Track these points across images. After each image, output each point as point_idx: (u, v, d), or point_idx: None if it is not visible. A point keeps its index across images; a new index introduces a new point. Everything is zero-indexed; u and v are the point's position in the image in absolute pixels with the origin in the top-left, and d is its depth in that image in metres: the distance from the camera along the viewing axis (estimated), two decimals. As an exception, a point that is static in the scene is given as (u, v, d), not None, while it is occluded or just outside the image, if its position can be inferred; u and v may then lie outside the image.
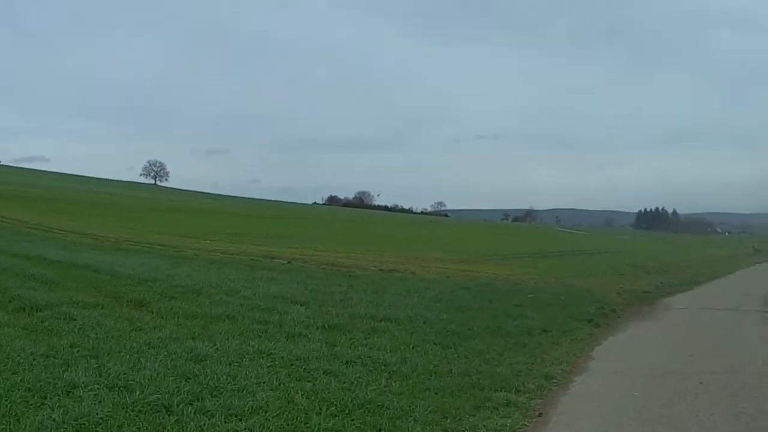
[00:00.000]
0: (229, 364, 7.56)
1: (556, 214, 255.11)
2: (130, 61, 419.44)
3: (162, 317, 10.24)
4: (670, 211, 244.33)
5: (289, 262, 22.97)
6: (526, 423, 6.82)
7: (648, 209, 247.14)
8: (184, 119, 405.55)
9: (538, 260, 37.67)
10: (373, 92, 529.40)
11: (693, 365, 9.82)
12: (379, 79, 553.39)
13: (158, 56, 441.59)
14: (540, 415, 7.14)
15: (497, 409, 7.07)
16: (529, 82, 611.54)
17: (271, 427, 5.73)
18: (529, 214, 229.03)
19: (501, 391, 7.70)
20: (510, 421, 6.75)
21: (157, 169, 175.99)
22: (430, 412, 6.59)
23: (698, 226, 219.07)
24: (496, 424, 6.62)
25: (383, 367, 8.11)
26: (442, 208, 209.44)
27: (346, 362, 8.18)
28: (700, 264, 41.20)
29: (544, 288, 19.44)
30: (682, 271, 33.29)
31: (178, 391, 6.36)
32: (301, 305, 12.11)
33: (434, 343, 9.73)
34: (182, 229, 46.31)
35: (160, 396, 6.15)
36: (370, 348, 9.06)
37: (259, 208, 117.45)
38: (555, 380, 8.56)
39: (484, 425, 6.55)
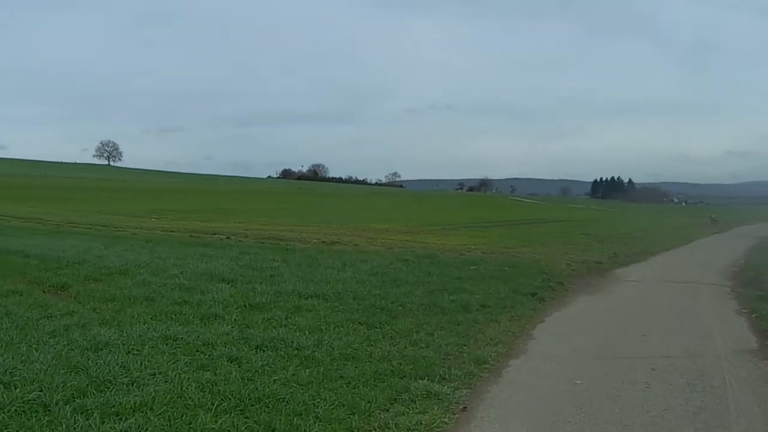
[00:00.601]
0: (128, 353, 7.05)
1: (512, 184, 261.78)
2: (77, 42, 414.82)
3: (79, 302, 9.88)
4: (626, 180, 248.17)
5: (228, 237, 23.01)
6: (446, 420, 5.87)
7: (604, 178, 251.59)
8: (135, 99, 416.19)
9: (489, 230, 37.70)
10: (327, 65, 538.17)
11: (645, 348, 8.96)
12: (332, 52, 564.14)
13: (105, 36, 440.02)
14: (464, 409, 6.19)
15: (415, 402, 6.17)
16: (483, 53, 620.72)
17: (150, 428, 5.16)
18: (484, 184, 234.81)
19: (423, 379, 6.83)
20: (427, 417, 5.83)
21: (110, 150, 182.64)
22: (336, 406, 5.90)
23: (654, 195, 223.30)
24: (410, 421, 5.71)
25: (296, 351, 7.53)
26: (397, 179, 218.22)
27: (257, 347, 7.62)
28: (656, 233, 41.18)
29: (490, 259, 18.79)
30: (637, 240, 32.96)
31: (63, 387, 5.84)
32: (227, 283, 11.79)
33: (359, 323, 9.13)
34: (131, 208, 47.33)
35: (41, 393, 5.66)
36: (288, 329, 8.51)
37: (211, 183, 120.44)
38: (487, 365, 7.62)
39: (395, 423, 5.66)
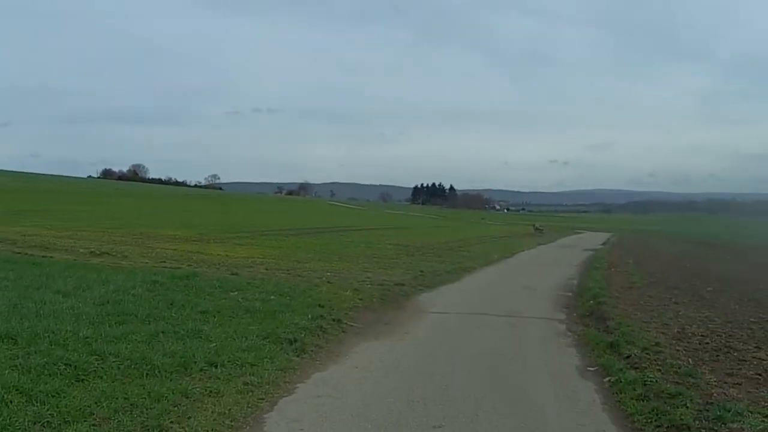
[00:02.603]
0: None
1: (332, 188, 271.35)
2: None
3: None
4: (447, 186, 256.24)
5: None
6: None
7: (425, 184, 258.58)
8: None
9: (290, 238, 35.19)
10: (154, 65, 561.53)
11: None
12: (160, 52, 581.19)
13: None
14: None
15: None
16: (310, 57, 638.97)
17: None
18: (303, 188, 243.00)
19: None
20: None
21: None
22: None
23: (476, 202, 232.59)
24: None
25: None
26: (216, 182, 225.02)
27: None
28: (474, 243, 39.52)
29: (267, 279, 15.78)
30: (452, 252, 30.65)
31: None
32: None
33: (19, 390, 6.48)
34: None
35: None
36: None
37: (29, 182, 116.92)
38: None
39: None
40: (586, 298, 16.03)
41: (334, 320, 11.41)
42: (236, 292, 13.12)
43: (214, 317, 10.66)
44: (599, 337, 11.10)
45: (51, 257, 18.87)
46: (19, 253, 19.55)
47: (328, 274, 18.46)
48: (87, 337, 8.68)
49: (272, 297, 12.82)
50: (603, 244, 48.04)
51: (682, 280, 20.86)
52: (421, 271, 20.25)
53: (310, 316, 11.26)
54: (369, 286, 16.14)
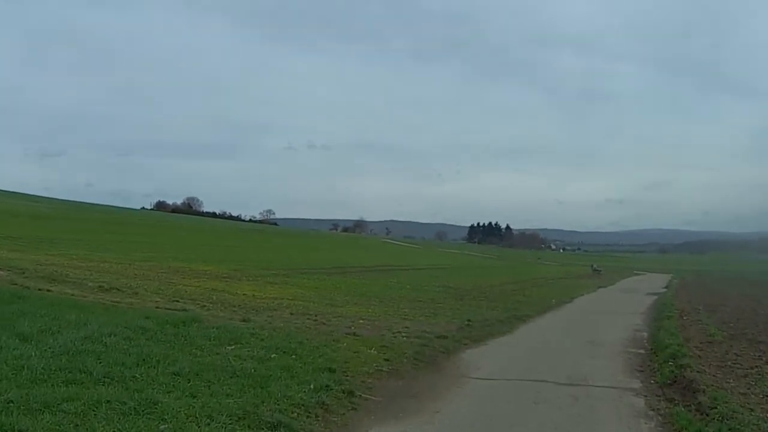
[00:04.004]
0: None
1: (388, 226, 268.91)
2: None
3: None
4: (503, 225, 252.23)
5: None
6: None
7: (481, 223, 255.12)
8: (16, 120, 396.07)
9: (333, 277, 32.92)
10: (210, 98, 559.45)
11: None
12: (216, 86, 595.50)
13: None
14: None
15: None
16: (366, 93, 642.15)
17: None
18: (359, 225, 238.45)
19: None
20: None
21: None
22: None
23: (532, 241, 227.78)
24: None
25: None
26: (271, 216, 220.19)
27: None
28: (530, 286, 36.42)
29: (279, 329, 13.09)
30: (506, 296, 27.76)
31: None
32: None
33: None
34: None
35: None
36: None
37: (78, 211, 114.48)
38: None
39: None
40: (663, 357, 13.01)
41: (344, 392, 8.76)
42: (233, 346, 10.66)
43: (188, 382, 8.24)
44: (694, 422, 8.21)
45: (50, 291, 16.75)
46: (16, 284, 17.52)
47: (361, 321, 16.04)
48: (10, 402, 6.67)
49: (274, 355, 10.26)
50: (665, 287, 44.26)
51: (763, 331, 17.69)
52: (469, 321, 17.41)
53: (312, 385, 8.65)
54: (404, 338, 13.53)
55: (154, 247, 46.36)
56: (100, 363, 8.53)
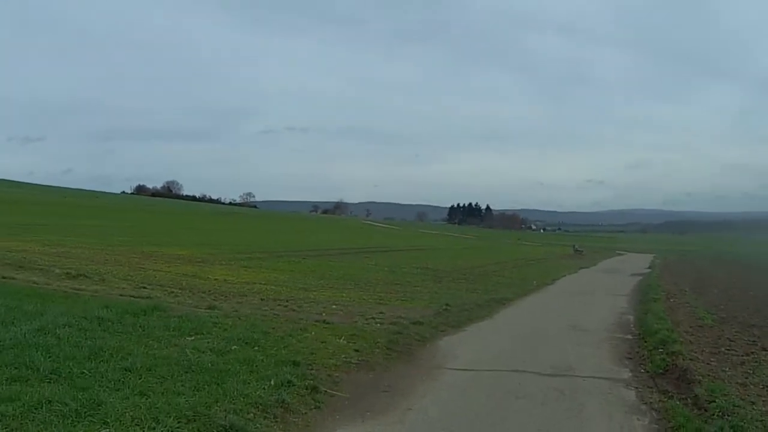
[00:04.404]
0: None
1: (368, 208, 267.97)
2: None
3: None
4: (483, 206, 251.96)
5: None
6: None
7: (461, 204, 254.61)
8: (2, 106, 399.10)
9: (307, 260, 31.86)
10: (189, 83, 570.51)
11: None
12: (194, 70, 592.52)
13: None
14: None
15: None
16: (344, 76, 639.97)
17: None
18: (339, 207, 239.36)
19: None
20: None
21: None
22: None
23: (513, 222, 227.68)
24: None
25: None
26: (251, 200, 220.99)
27: None
28: (511, 267, 35.68)
29: (245, 317, 12.20)
30: (486, 278, 26.92)
31: None
32: None
33: None
34: None
35: None
36: None
37: (56, 196, 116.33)
38: None
39: None
40: (653, 343, 12.22)
41: (307, 388, 7.87)
42: (193, 337, 9.85)
43: (139, 378, 7.45)
44: (692, 419, 7.42)
45: (14, 279, 16.04)
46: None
47: (334, 307, 15.21)
48: None
49: (235, 347, 9.37)
50: (649, 267, 43.65)
51: (755, 314, 17.03)
52: (447, 305, 16.52)
53: (273, 381, 7.78)
54: (378, 325, 12.68)
55: (130, 232, 45.60)
56: (50, 358, 7.83)
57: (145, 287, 16.75)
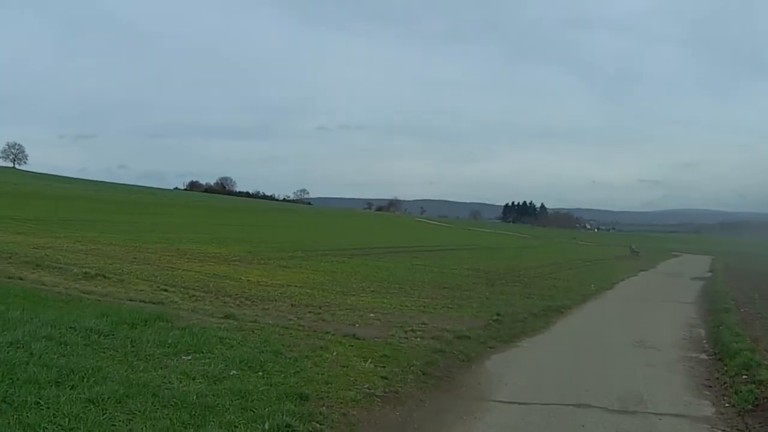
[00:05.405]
0: None
1: (423, 205, 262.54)
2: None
3: None
4: (538, 205, 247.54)
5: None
6: None
7: (515, 203, 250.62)
8: (52, 104, 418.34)
9: (353, 259, 30.19)
10: (242, 80, 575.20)
11: None
12: (248, 67, 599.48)
13: (24, 39, 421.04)
14: None
15: None
16: (399, 74, 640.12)
17: None
18: (393, 204, 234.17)
19: None
20: None
21: (15, 152, 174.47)
22: None
23: (567, 220, 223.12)
24: None
25: None
26: (305, 196, 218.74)
27: None
28: (567, 268, 33.63)
29: (262, 329, 10.62)
30: (541, 280, 25.16)
31: None
32: None
33: None
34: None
35: None
36: None
37: (107, 192, 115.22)
38: None
39: None
40: (734, 368, 10.25)
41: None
42: (189, 357, 8.25)
43: (102, 413, 5.90)
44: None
45: (21, 279, 14.69)
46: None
47: (371, 315, 13.60)
48: None
49: (234, 372, 7.72)
50: (709, 271, 41.00)
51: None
52: (498, 314, 14.73)
53: (267, 424, 6.12)
54: (418, 340, 11.01)
55: (173, 228, 44.65)
56: (8, 380, 6.38)
57: (165, 290, 15.56)
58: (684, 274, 36.88)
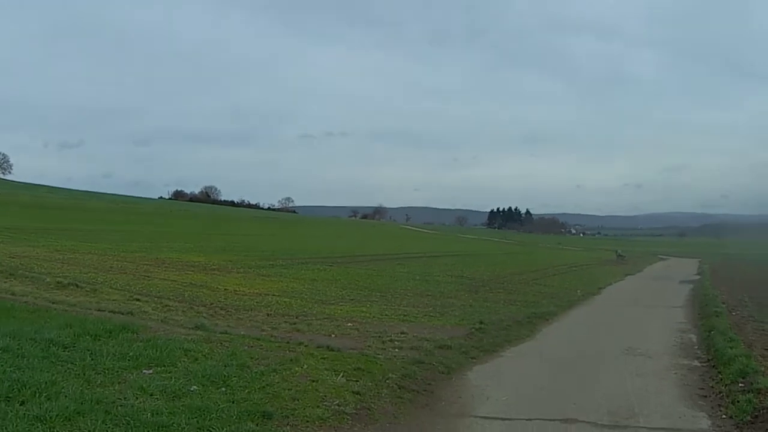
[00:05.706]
0: None
1: (408, 212, 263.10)
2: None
3: None
4: (523, 210, 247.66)
5: None
6: None
7: (501, 209, 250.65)
8: (36, 112, 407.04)
9: (334, 267, 29.51)
10: (226, 87, 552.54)
11: None
12: (232, 75, 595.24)
13: (10, 48, 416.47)
14: None
15: None
16: (383, 81, 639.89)
17: None
18: (378, 212, 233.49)
19: None
20: None
21: (0, 161, 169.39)
22: None
23: (552, 226, 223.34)
24: None
25: None
26: (290, 204, 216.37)
27: None
28: (552, 275, 33.13)
29: (230, 342, 9.84)
30: (526, 286, 24.64)
31: None
32: None
33: None
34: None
35: None
36: None
37: (91, 200, 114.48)
38: None
39: None
40: (730, 375, 9.67)
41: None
42: (151, 370, 7.78)
43: None
44: None
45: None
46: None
47: (349, 325, 13.13)
48: None
49: (195, 387, 7.14)
50: (697, 274, 40.67)
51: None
52: (481, 323, 14.17)
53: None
54: (396, 351, 10.44)
55: (154, 237, 44.18)
56: None
57: (138, 299, 15.05)
58: (671, 277, 36.52)
